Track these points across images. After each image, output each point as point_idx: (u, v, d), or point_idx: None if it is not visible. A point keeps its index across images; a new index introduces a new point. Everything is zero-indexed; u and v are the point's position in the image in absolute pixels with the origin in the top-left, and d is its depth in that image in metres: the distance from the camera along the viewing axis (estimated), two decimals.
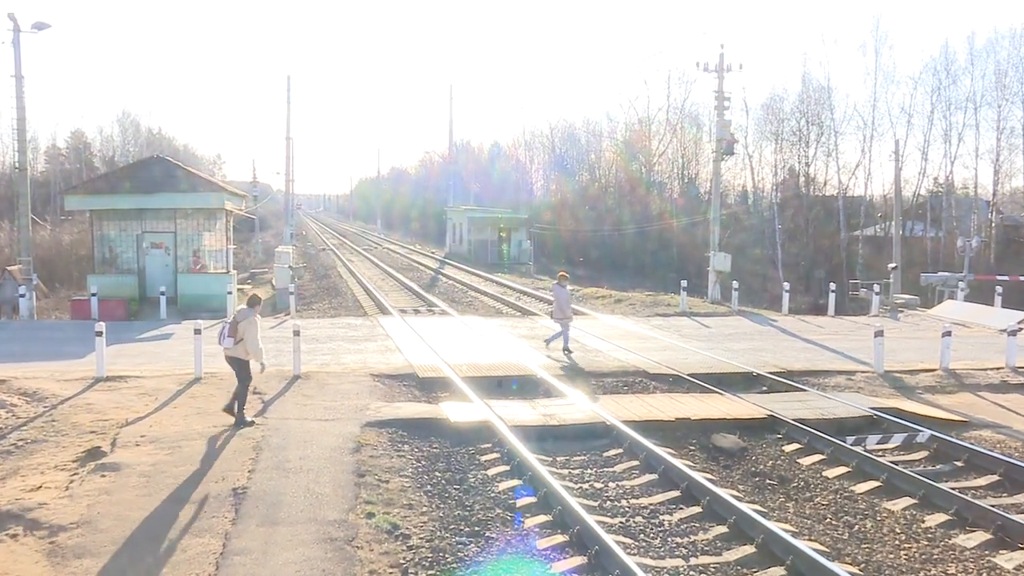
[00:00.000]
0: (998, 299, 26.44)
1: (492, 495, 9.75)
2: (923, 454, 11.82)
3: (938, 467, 11.27)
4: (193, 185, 28.43)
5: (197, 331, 15.18)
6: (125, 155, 77.95)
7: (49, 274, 36.07)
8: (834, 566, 7.49)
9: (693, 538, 8.69)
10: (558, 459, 11.26)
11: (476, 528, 8.72)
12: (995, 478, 10.67)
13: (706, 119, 62.52)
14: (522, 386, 15.15)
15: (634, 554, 8.14)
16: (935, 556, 8.44)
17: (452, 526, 8.74)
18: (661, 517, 9.20)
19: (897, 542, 8.78)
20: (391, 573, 7.56)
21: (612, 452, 11.56)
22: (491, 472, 10.58)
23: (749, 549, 8.29)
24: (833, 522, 9.32)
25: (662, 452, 10.89)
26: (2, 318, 25.98)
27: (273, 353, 17.73)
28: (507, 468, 10.64)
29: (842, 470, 10.94)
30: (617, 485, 10.24)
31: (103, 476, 9.70)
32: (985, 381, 16.01)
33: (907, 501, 9.85)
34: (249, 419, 12.04)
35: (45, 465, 10.15)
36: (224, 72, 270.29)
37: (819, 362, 17.64)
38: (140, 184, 27.61)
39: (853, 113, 76.43)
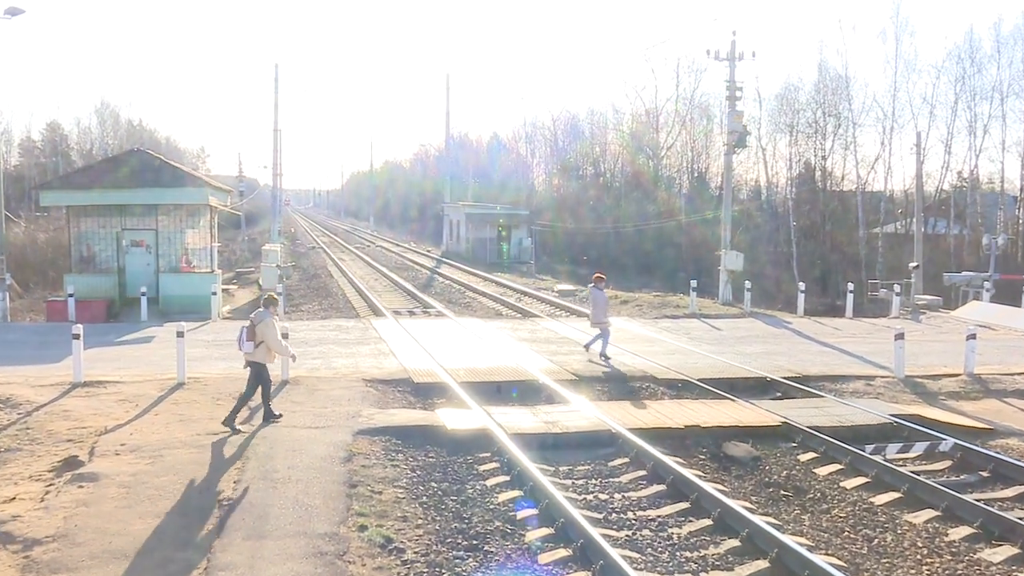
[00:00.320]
0: None
1: (491, 507, 9.75)
2: (946, 464, 11.82)
3: (962, 477, 11.27)
4: (176, 180, 28.43)
5: (180, 334, 15.18)
6: (104, 148, 78.01)
7: (23, 274, 36.11)
8: None
9: (703, 552, 8.69)
10: (561, 469, 11.26)
11: (474, 542, 8.72)
12: (1022, 489, 10.66)
13: (717, 110, 62.65)
14: (523, 392, 15.15)
15: (641, 569, 8.15)
16: (959, 572, 8.44)
17: (449, 539, 8.74)
18: (669, 530, 9.20)
19: (919, 557, 8.78)
20: None
21: (618, 461, 11.56)
22: (490, 482, 10.58)
23: (762, 564, 8.29)
24: (851, 535, 9.32)
25: (670, 461, 10.89)
26: None
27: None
28: (507, 478, 10.64)
29: (860, 480, 10.93)
30: (623, 496, 10.24)
31: (80, 487, 9.69)
32: (1012, 387, 16.00)
33: (929, 513, 9.84)
34: (238, 427, 12.11)
35: (19, 475, 10.15)
36: (208, 61, 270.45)
37: (836, 366, 17.63)
38: (120, 179, 27.60)
39: (872, 104, 76.78)
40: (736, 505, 9.35)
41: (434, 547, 8.51)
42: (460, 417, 12.92)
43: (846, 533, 9.38)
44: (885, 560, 8.70)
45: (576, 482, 10.76)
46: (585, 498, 10.13)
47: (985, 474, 11.28)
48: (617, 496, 10.24)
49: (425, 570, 7.97)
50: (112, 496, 9.41)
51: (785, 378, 16.10)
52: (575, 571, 8.07)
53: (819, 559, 8.03)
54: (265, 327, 12.26)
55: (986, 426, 13.27)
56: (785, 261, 53.03)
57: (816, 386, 15.67)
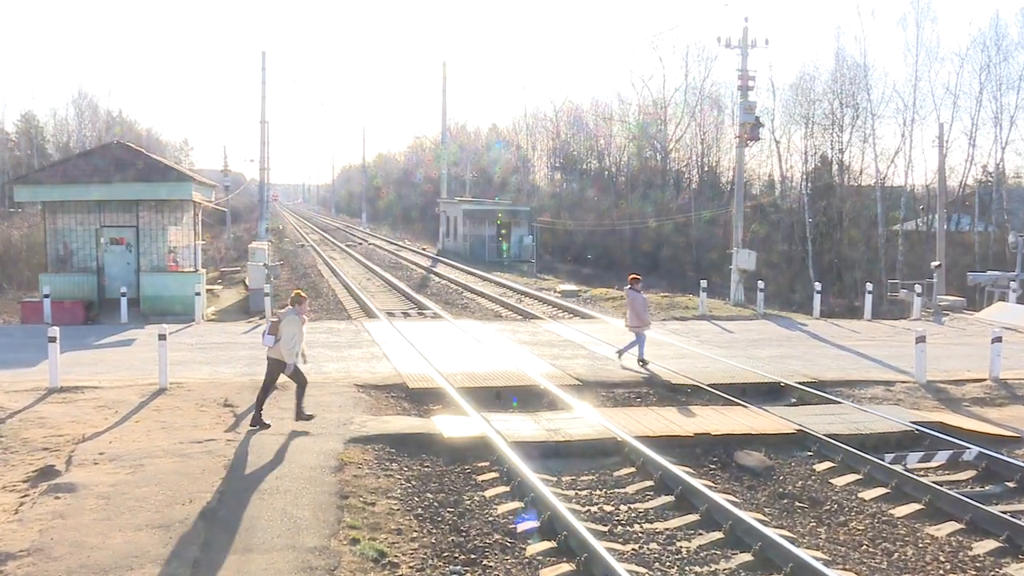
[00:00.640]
0: None
1: (490, 519, 9.75)
2: (970, 473, 11.82)
3: (987, 488, 11.27)
4: (158, 174, 28.40)
5: (162, 336, 15.19)
6: (81, 140, 78.03)
7: None
8: None
9: (714, 567, 8.69)
10: (563, 479, 11.27)
11: (472, 556, 8.73)
12: None
13: (728, 101, 62.78)
14: (523, 398, 15.16)
15: None
16: None
17: (446, 553, 8.75)
18: (678, 543, 9.20)
19: (941, 572, 8.78)
20: None
21: (623, 471, 11.56)
22: (489, 493, 10.59)
23: None
24: (870, 549, 9.32)
25: (679, 471, 10.89)
26: None
27: (246, 361, 17.77)
28: (507, 489, 10.64)
29: (880, 491, 10.94)
30: (629, 508, 10.24)
31: (57, 498, 9.69)
32: None
33: (952, 526, 9.84)
34: (267, 421, 12.62)
35: None
36: (192, 49, 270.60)
37: (854, 371, 17.64)
38: (98, 173, 27.57)
39: (892, 94, 76.59)
40: (748, 517, 9.35)
41: (430, 562, 8.51)
42: (457, 424, 12.93)
43: (864, 547, 9.38)
44: (906, 575, 8.70)
45: (580, 493, 10.77)
46: (589, 510, 10.13)
47: (1012, 485, 11.28)
48: (623, 508, 10.24)
49: None
50: (90, 508, 9.41)
51: (800, 383, 16.11)
52: None
53: (836, 574, 8.02)
54: (286, 323, 12.51)
55: (1013, 434, 13.27)
56: (800, 260, 53.03)
57: (833, 392, 15.67)
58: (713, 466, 11.88)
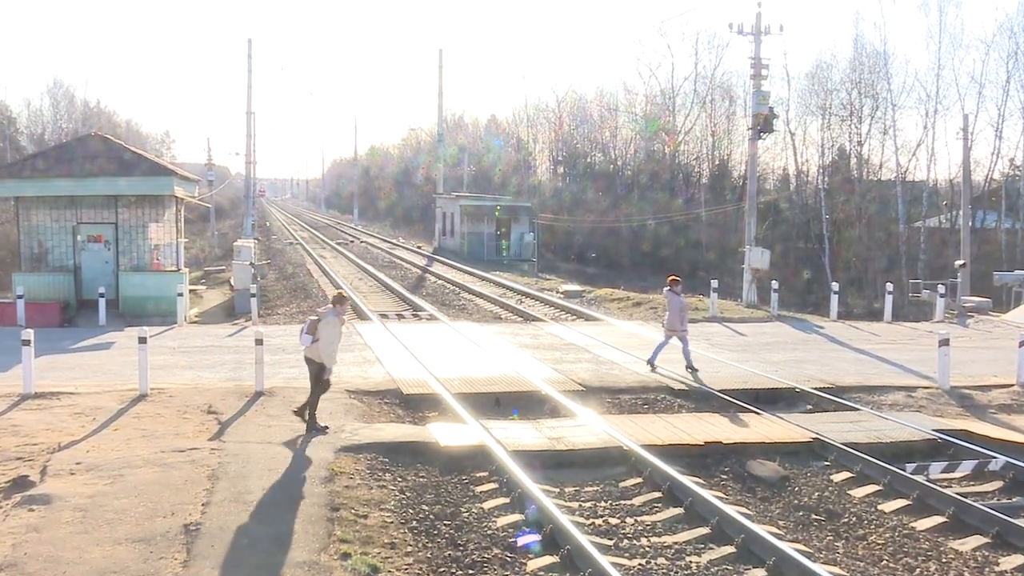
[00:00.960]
0: None
1: (489, 532, 9.76)
2: (997, 484, 11.82)
3: (1015, 500, 11.27)
4: (138, 168, 28.44)
5: (142, 339, 15.18)
6: (57, 132, 77.99)
7: None
8: None
9: None
10: (566, 490, 11.27)
11: (470, 571, 8.73)
12: None
13: (740, 91, 62.77)
14: (524, 404, 15.16)
15: None
16: None
17: (442, 569, 8.75)
18: (688, 558, 9.20)
19: None
20: None
21: (630, 482, 11.57)
22: (488, 505, 10.59)
23: None
24: (891, 564, 9.32)
25: (688, 482, 10.89)
26: None
27: (231, 366, 17.78)
28: (506, 500, 10.65)
29: (901, 503, 10.94)
30: (636, 520, 10.24)
31: (31, 510, 9.69)
32: None
33: (978, 540, 9.84)
34: (322, 424, 12.84)
35: None
36: (175, 37, 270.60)
37: (873, 376, 17.65)
38: (75, 167, 27.61)
39: (914, 83, 77.12)
40: (762, 531, 9.35)
41: None
42: (454, 432, 12.93)
43: (885, 562, 9.38)
44: None
45: (583, 504, 10.77)
46: (593, 522, 10.13)
47: None
48: (629, 520, 10.24)
49: None
50: (66, 521, 9.41)
51: (816, 389, 16.11)
52: None
53: None
54: (325, 324, 12.76)
55: None
56: (816, 259, 53.07)
57: (851, 398, 15.67)
58: (724, 476, 11.88)
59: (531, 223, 57.13)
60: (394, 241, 70.93)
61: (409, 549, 9.14)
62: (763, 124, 33.03)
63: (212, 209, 67.32)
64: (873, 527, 10.31)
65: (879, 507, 10.92)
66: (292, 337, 21.57)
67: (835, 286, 29.79)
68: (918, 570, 9.18)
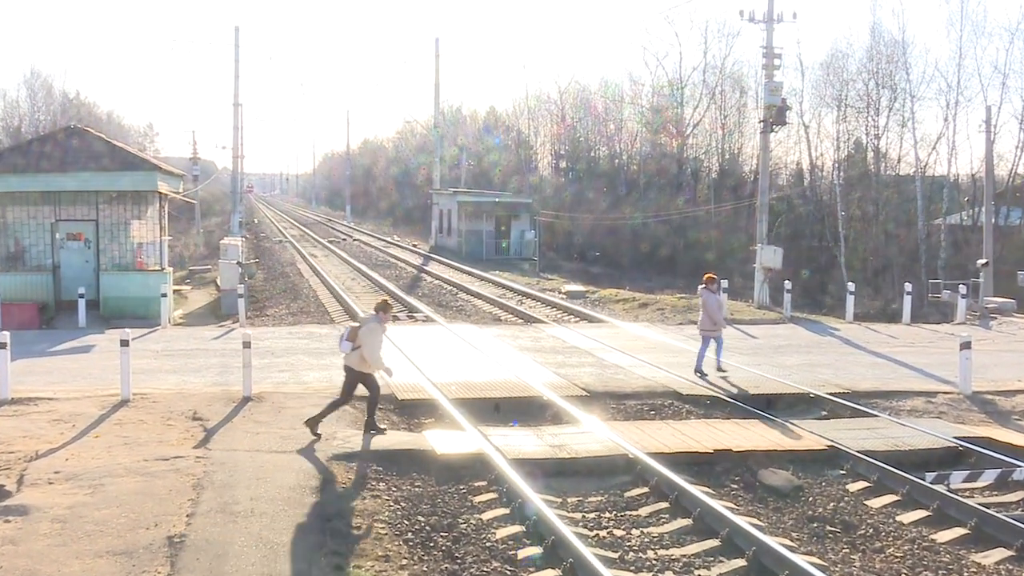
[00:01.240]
0: None
1: (488, 544, 9.76)
2: (1021, 494, 11.82)
3: None
4: (120, 162, 28.46)
5: (124, 342, 15.19)
6: (35, 125, 77.95)
7: None
8: None
9: None
10: (569, 500, 11.28)
11: None
12: None
13: (752, 81, 62.84)
14: (525, 410, 15.17)
15: None
16: None
17: None
18: (696, 572, 9.20)
19: None
20: None
21: (636, 491, 11.57)
22: (487, 516, 10.59)
23: None
24: None
25: (697, 491, 10.89)
26: None
27: (217, 370, 17.79)
28: (506, 511, 10.65)
29: (920, 514, 10.94)
30: (642, 532, 10.24)
31: (7, 522, 9.70)
32: None
33: (1002, 553, 9.84)
34: (382, 426, 13.41)
35: None
36: (157, 25, 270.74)
37: (891, 381, 17.66)
38: (53, 161, 27.63)
39: (934, 73, 77.15)
40: (774, 543, 9.35)
41: None
42: (452, 440, 12.94)
43: None
44: None
45: (587, 515, 10.77)
46: (598, 534, 10.13)
47: None
48: (635, 532, 10.24)
49: None
50: (44, 532, 9.41)
51: (831, 394, 16.12)
52: None
53: None
54: (367, 331, 12.94)
55: None
56: (831, 257, 53.07)
57: (867, 404, 15.67)
58: (735, 486, 11.88)
59: (532, 220, 57.13)
60: (389, 239, 70.98)
61: (404, 562, 9.14)
62: (775, 116, 33.05)
63: (197, 206, 67.31)
64: (891, 539, 10.30)
65: (897, 518, 10.91)
66: (282, 340, 21.66)
67: (851, 286, 29.77)
68: None
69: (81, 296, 24.94)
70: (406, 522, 10.24)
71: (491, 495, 11.25)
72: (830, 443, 13.07)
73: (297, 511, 10.10)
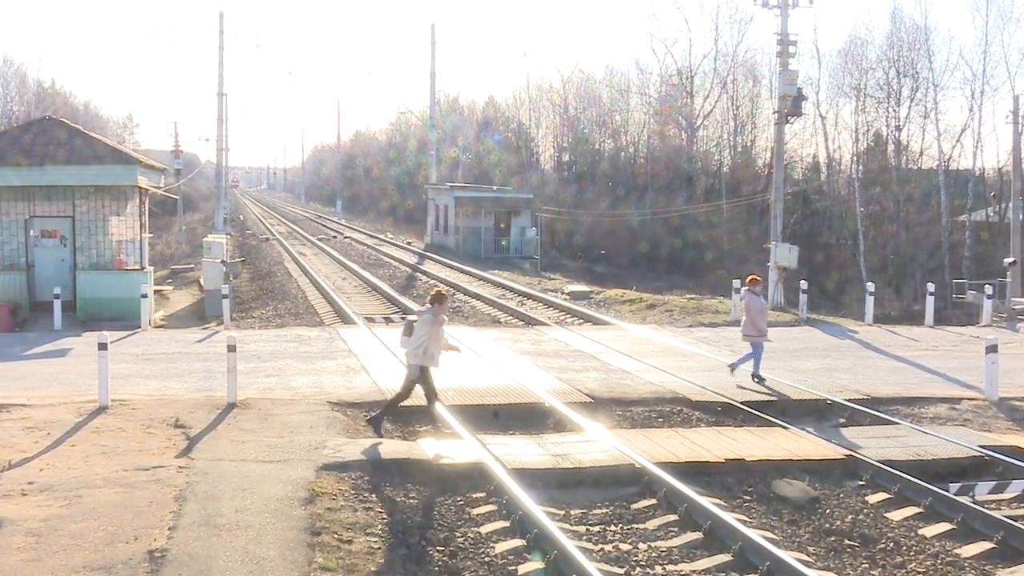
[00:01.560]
0: None
1: (486, 559, 9.76)
2: None
3: None
4: (97, 155, 28.46)
5: (102, 345, 15.18)
6: (7, 115, 78.01)
7: None
8: None
9: None
10: (572, 512, 11.28)
11: None
12: None
13: (765, 70, 62.96)
14: (526, 417, 15.16)
15: None
16: None
17: None
18: None
19: None
20: None
21: (643, 503, 11.57)
22: (485, 529, 10.59)
23: None
24: None
25: (708, 503, 10.89)
26: None
27: (200, 375, 17.79)
28: (506, 524, 10.65)
29: (944, 527, 10.93)
30: (649, 546, 10.24)
31: None
32: None
33: None
34: (381, 431, 13.58)
35: None
36: (137, 11, 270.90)
37: (913, 386, 17.66)
38: (27, 154, 27.62)
39: (958, 62, 77.12)
40: (789, 558, 9.35)
41: None
42: (448, 448, 12.93)
43: None
44: None
45: (591, 529, 10.77)
46: (603, 548, 10.13)
47: None
48: (642, 546, 10.24)
49: None
50: (17, 547, 9.41)
51: (849, 400, 16.11)
52: None
53: None
54: (421, 324, 13.27)
55: None
56: (850, 256, 53.13)
57: (888, 410, 15.67)
58: (748, 497, 11.87)
59: (533, 216, 57.10)
60: (382, 237, 71.02)
61: None
62: (791, 107, 33.03)
63: (180, 201, 67.39)
64: (913, 553, 10.30)
65: (919, 531, 10.91)
66: (269, 343, 21.65)
67: (870, 286, 29.81)
68: None
69: (56, 297, 24.92)
70: (400, 535, 10.23)
71: (490, 507, 11.25)
72: (848, 452, 13.07)
73: (285, 524, 10.09)
